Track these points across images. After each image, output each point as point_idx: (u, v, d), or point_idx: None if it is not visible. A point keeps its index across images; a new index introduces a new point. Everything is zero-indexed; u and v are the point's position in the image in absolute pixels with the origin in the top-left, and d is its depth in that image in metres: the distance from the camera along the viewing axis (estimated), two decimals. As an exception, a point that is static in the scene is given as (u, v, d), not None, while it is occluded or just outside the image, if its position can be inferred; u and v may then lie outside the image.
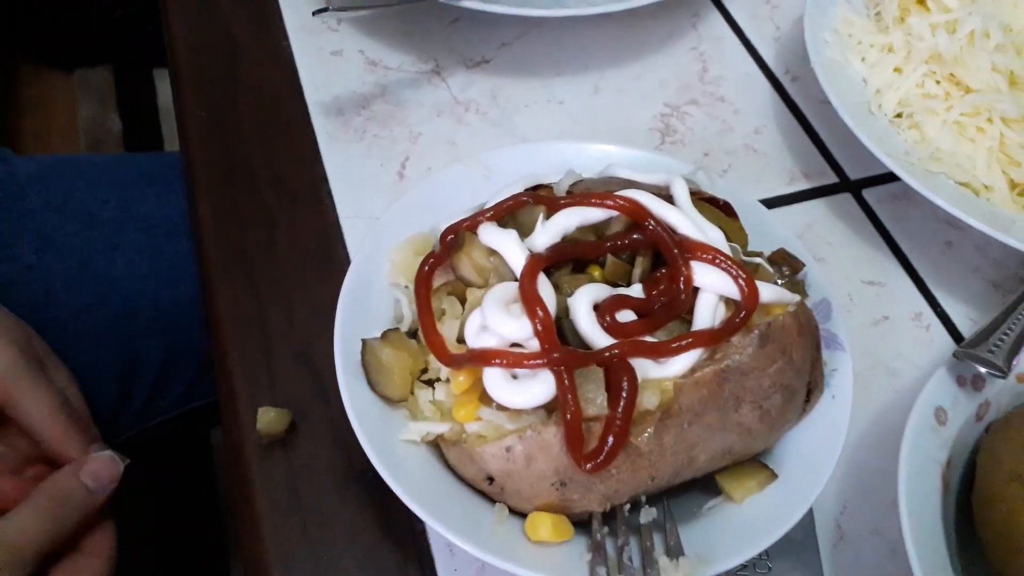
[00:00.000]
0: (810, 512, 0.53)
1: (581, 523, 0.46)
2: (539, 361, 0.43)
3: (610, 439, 0.42)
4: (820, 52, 0.70)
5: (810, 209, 0.70)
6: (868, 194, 0.71)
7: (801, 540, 0.52)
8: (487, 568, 0.51)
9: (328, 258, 0.63)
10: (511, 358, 0.43)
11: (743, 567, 0.51)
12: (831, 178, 0.72)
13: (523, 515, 0.46)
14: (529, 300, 0.44)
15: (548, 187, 0.53)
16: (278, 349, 0.59)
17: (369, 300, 0.53)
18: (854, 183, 0.72)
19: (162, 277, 0.78)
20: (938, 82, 0.69)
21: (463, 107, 0.74)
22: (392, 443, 0.47)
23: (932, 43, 0.69)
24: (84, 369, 0.65)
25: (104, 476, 0.58)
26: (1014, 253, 0.63)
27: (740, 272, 0.46)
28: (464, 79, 0.76)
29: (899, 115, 0.69)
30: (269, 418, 0.55)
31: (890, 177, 0.70)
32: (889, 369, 0.62)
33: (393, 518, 0.53)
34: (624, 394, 0.42)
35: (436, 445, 0.49)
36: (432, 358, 0.48)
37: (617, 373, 0.43)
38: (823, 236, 0.68)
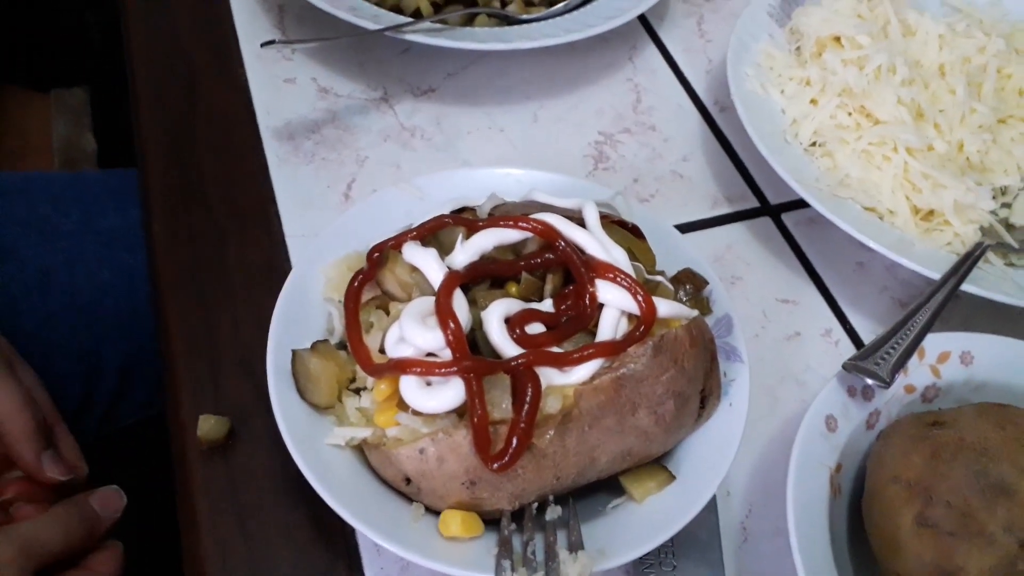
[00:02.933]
0: (714, 514, 0.57)
1: (495, 522, 0.50)
2: (450, 369, 0.46)
3: (514, 440, 0.46)
4: (741, 84, 0.74)
5: (731, 232, 0.75)
6: (787, 218, 0.76)
7: (705, 540, 0.56)
8: (411, 566, 0.55)
9: (274, 274, 0.67)
10: (425, 366, 0.47)
11: (650, 565, 0.54)
12: (752, 203, 0.77)
13: (439, 514, 0.49)
14: (443, 313, 0.48)
15: (472, 209, 0.57)
16: (223, 359, 0.63)
17: (304, 313, 0.56)
18: (774, 207, 0.77)
19: (121, 288, 0.81)
20: (849, 114, 0.74)
21: (409, 132, 0.78)
22: (319, 448, 0.51)
23: (844, 77, 0.74)
24: (47, 375, 0.68)
25: (110, 505, 0.63)
26: (921, 276, 0.68)
27: (639, 289, 0.50)
28: (411, 106, 0.80)
29: (814, 144, 0.74)
30: (209, 425, 0.58)
31: (807, 202, 0.74)
32: (798, 381, 0.66)
33: (325, 519, 0.56)
34: (528, 399, 0.46)
35: (361, 450, 0.52)
36: (359, 368, 0.52)
37: (523, 380, 0.47)
38: (742, 256, 0.73)
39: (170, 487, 0.61)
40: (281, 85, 0.80)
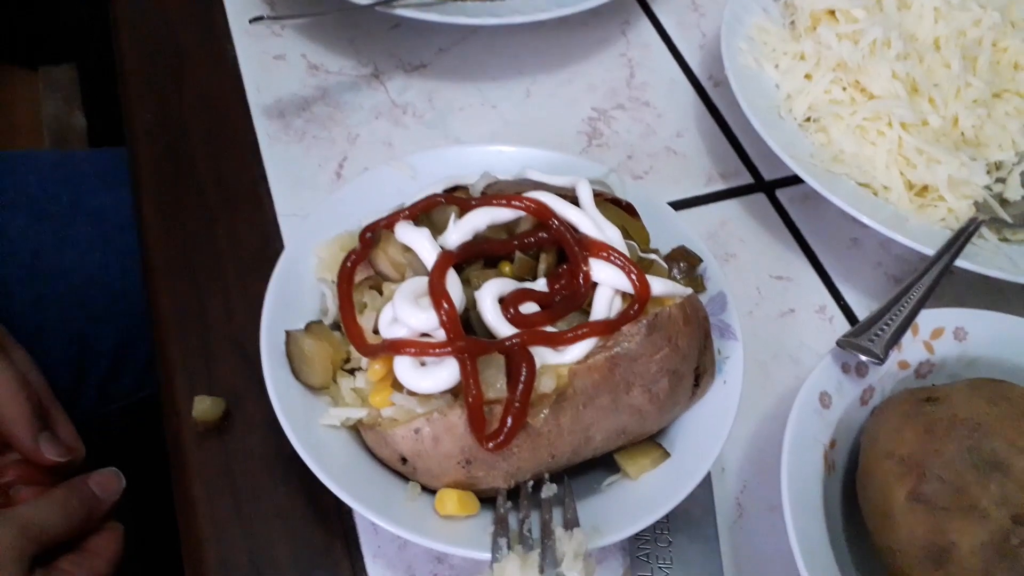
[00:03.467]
0: (709, 491, 0.58)
1: (490, 500, 0.50)
2: (444, 349, 0.46)
3: (509, 420, 0.46)
4: (735, 59, 0.74)
5: (725, 208, 0.74)
6: (781, 194, 0.76)
7: (700, 517, 0.57)
8: (408, 545, 0.55)
9: (266, 254, 0.66)
10: (419, 347, 0.47)
11: (646, 541, 0.55)
12: (747, 179, 0.77)
13: (435, 492, 0.49)
14: (436, 293, 0.48)
15: (465, 188, 0.57)
16: (216, 340, 0.63)
17: (297, 294, 0.56)
18: (768, 184, 0.76)
19: (112, 268, 0.81)
20: (844, 88, 0.73)
21: (400, 110, 0.77)
22: (314, 428, 0.51)
23: (838, 52, 0.73)
24: (39, 357, 0.68)
25: (109, 487, 0.63)
26: (915, 252, 0.67)
27: (633, 268, 0.50)
28: (402, 83, 0.79)
29: (808, 119, 0.73)
30: (205, 406, 0.58)
31: (801, 178, 0.74)
32: (793, 358, 0.66)
33: (321, 499, 0.56)
34: (522, 379, 0.46)
35: (357, 430, 0.52)
36: (353, 349, 0.52)
37: (517, 360, 0.47)
38: (736, 233, 0.73)
39: (163, 468, 0.61)
40: (271, 62, 0.79)
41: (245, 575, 0.54)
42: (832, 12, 0.77)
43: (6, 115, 2.29)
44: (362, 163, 0.73)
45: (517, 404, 0.46)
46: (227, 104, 0.76)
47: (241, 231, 0.68)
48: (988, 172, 0.72)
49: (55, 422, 0.66)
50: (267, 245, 0.67)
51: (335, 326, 0.54)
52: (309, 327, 0.52)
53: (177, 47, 0.80)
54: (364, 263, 0.53)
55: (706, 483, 0.58)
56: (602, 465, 0.53)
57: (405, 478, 0.50)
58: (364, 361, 0.51)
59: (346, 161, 0.73)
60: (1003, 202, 0.72)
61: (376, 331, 0.50)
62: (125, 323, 0.81)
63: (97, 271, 0.81)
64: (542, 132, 0.77)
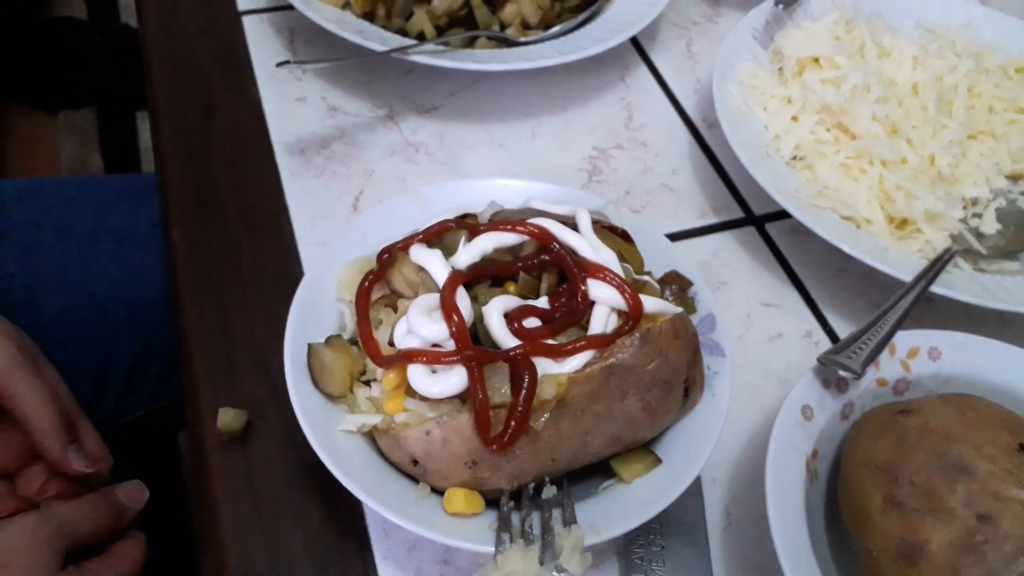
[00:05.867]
0: (700, 499, 0.62)
1: (494, 502, 0.54)
2: (454, 358, 0.51)
3: (512, 423, 0.50)
4: (726, 101, 0.79)
5: (717, 240, 0.79)
6: (770, 227, 0.81)
7: (692, 523, 0.60)
8: (417, 547, 0.59)
9: (287, 279, 0.71)
10: (430, 356, 0.51)
11: (640, 545, 0.58)
12: (738, 213, 0.81)
13: (443, 493, 0.53)
14: (447, 307, 0.52)
15: (473, 216, 0.62)
16: (239, 358, 0.67)
17: (318, 312, 0.61)
18: (758, 218, 0.81)
19: (133, 283, 0.86)
20: (828, 129, 0.79)
21: (413, 148, 0.83)
22: (332, 433, 0.55)
23: (822, 96, 0.78)
24: (62, 368, 0.72)
25: (135, 498, 0.68)
26: (895, 280, 0.72)
27: (627, 288, 0.54)
28: (415, 123, 0.85)
29: (794, 157, 0.78)
30: (228, 418, 0.62)
31: (789, 213, 0.79)
32: (780, 379, 0.70)
33: (336, 504, 0.60)
34: (525, 385, 0.50)
35: (371, 437, 0.56)
36: (369, 361, 0.56)
37: (521, 369, 0.51)
38: (727, 263, 0.77)
39: (175, 478, 0.65)
40: (293, 104, 0.85)
41: (262, 573, 0.58)
42: (816, 59, 0.82)
43: (26, 156, 2.37)
44: (377, 197, 0.78)
45: (520, 408, 0.50)
46: (252, 141, 0.82)
47: (263, 257, 0.73)
48: (964, 207, 0.77)
49: (82, 434, 0.70)
50: (288, 270, 0.72)
51: (353, 341, 0.59)
52: (329, 340, 0.57)
53: (206, 90, 0.86)
54: (380, 283, 0.58)
55: (697, 492, 0.61)
56: (598, 472, 0.57)
57: (415, 480, 0.54)
58: (379, 372, 0.56)
59: (362, 195, 0.79)
60: (979, 235, 0.76)
61: (391, 343, 0.55)
62: (143, 337, 0.86)
63: (118, 286, 0.86)
64: (545, 169, 0.82)
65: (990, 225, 0.77)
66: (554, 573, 0.49)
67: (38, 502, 0.68)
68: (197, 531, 0.63)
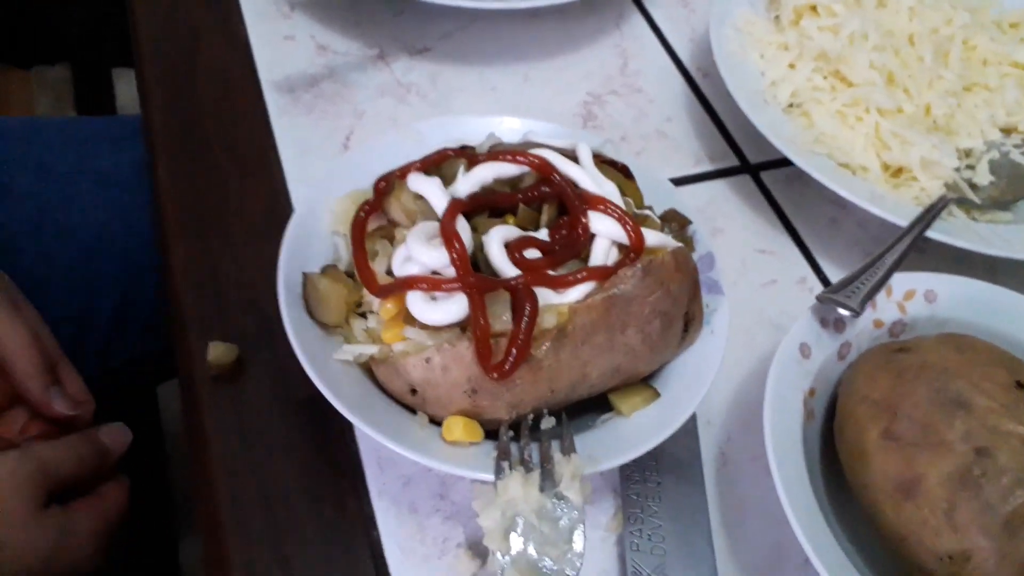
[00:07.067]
0: (695, 439, 0.61)
1: (493, 434, 0.53)
2: (454, 285, 0.50)
3: (513, 351, 0.49)
4: (723, 47, 0.78)
5: (713, 188, 0.78)
6: (765, 176, 0.80)
7: (688, 461, 0.60)
8: (412, 481, 0.58)
9: (275, 216, 0.69)
10: (431, 282, 0.50)
11: (636, 482, 0.58)
12: (733, 161, 0.81)
13: (441, 424, 0.53)
14: (448, 234, 0.51)
15: (472, 148, 0.60)
16: (228, 295, 0.66)
17: (311, 245, 0.59)
18: (753, 166, 0.81)
19: (116, 226, 0.84)
20: (825, 77, 0.78)
21: (405, 89, 0.81)
22: (329, 364, 0.54)
23: (819, 43, 0.78)
24: (43, 311, 0.70)
25: (118, 440, 0.66)
26: (888, 228, 0.71)
27: (629, 220, 0.53)
28: (407, 64, 0.83)
29: (791, 105, 0.78)
30: (219, 351, 0.61)
31: (784, 162, 0.78)
32: (774, 324, 0.70)
33: (329, 440, 0.59)
34: (526, 314, 0.50)
35: (368, 370, 0.55)
36: (365, 292, 0.55)
37: (522, 298, 0.50)
38: (723, 210, 0.77)
39: (154, 428, 0.64)
40: (281, 42, 0.83)
41: (255, 509, 0.57)
42: (814, 7, 0.81)
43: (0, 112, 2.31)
44: (368, 137, 0.77)
45: (522, 337, 0.49)
46: (239, 79, 0.80)
47: (252, 194, 0.72)
48: (959, 158, 0.77)
49: (64, 377, 0.69)
50: (276, 208, 0.71)
51: (348, 274, 0.57)
52: (325, 269, 0.56)
53: (192, 27, 0.83)
54: (376, 214, 0.57)
55: (693, 431, 0.61)
56: (597, 407, 0.56)
57: (413, 411, 0.53)
58: (376, 304, 0.55)
59: (352, 135, 0.77)
60: (973, 186, 0.76)
61: (389, 274, 0.54)
62: (128, 282, 0.84)
63: (102, 230, 0.83)
64: (539, 113, 0.80)
65: (983, 176, 0.77)
66: (554, 500, 0.48)
67: (19, 443, 0.66)
68: (187, 472, 0.61)
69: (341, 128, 0.77)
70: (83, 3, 2.16)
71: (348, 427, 0.59)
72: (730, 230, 0.76)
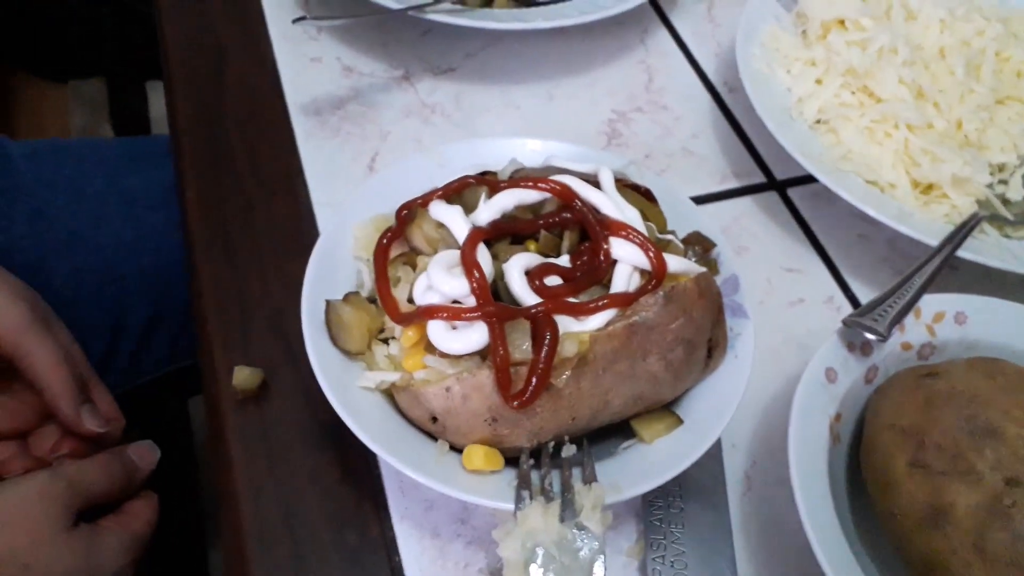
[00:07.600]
0: (720, 463, 0.61)
1: (513, 462, 0.53)
2: (475, 314, 0.50)
3: (533, 380, 0.49)
4: (749, 64, 0.78)
5: (739, 205, 0.78)
6: (792, 192, 0.79)
7: (711, 486, 0.60)
8: (435, 506, 0.58)
9: (301, 239, 0.70)
10: (451, 311, 0.50)
11: (659, 507, 0.58)
12: (759, 178, 0.80)
13: (461, 452, 0.53)
14: (468, 263, 0.51)
15: (493, 174, 0.60)
16: (253, 317, 0.66)
17: (334, 270, 0.60)
18: (780, 183, 0.80)
19: (145, 245, 0.85)
20: (853, 92, 0.77)
21: (429, 109, 0.82)
22: (350, 390, 0.54)
23: (847, 58, 0.77)
24: (74, 330, 0.71)
25: (146, 457, 0.67)
26: (918, 245, 0.71)
27: (651, 246, 0.53)
28: (431, 85, 0.84)
29: (818, 121, 0.77)
30: (244, 375, 0.62)
31: (811, 178, 0.77)
32: (801, 344, 0.69)
33: (352, 464, 0.60)
34: (547, 342, 0.49)
35: (390, 396, 0.56)
36: (388, 319, 0.55)
37: (542, 326, 0.50)
38: (749, 228, 0.76)
39: (185, 442, 0.65)
40: (307, 64, 0.84)
41: (278, 532, 0.57)
42: (842, 22, 0.80)
43: (35, 127, 2.36)
44: (393, 158, 0.77)
45: (542, 365, 0.49)
46: (266, 102, 0.81)
47: (278, 217, 0.72)
48: (991, 173, 0.76)
49: (95, 395, 0.70)
50: (302, 231, 0.71)
51: (371, 299, 0.58)
52: (347, 297, 0.56)
53: (220, 49, 0.85)
54: (399, 240, 0.57)
55: (717, 456, 0.60)
56: (618, 433, 0.56)
57: (434, 438, 0.54)
58: (397, 330, 0.55)
59: (378, 156, 0.77)
60: (1005, 202, 0.75)
61: (410, 301, 0.54)
62: (155, 299, 0.86)
63: (130, 249, 0.85)
64: (564, 132, 0.81)
65: (1016, 191, 0.76)
66: (574, 530, 0.48)
67: (50, 461, 0.67)
68: (213, 491, 0.62)
69: (366, 150, 0.77)
70: (117, 18, 2.20)
71: (371, 451, 0.59)
72: (756, 248, 0.75)
